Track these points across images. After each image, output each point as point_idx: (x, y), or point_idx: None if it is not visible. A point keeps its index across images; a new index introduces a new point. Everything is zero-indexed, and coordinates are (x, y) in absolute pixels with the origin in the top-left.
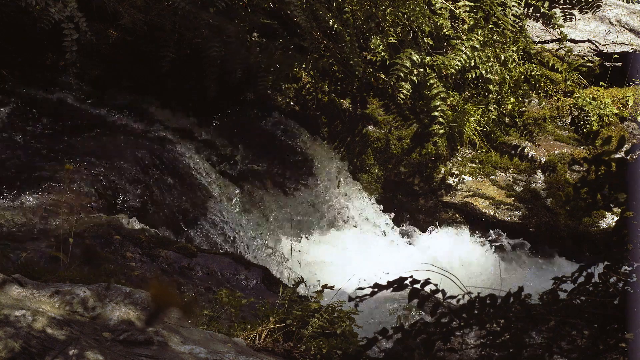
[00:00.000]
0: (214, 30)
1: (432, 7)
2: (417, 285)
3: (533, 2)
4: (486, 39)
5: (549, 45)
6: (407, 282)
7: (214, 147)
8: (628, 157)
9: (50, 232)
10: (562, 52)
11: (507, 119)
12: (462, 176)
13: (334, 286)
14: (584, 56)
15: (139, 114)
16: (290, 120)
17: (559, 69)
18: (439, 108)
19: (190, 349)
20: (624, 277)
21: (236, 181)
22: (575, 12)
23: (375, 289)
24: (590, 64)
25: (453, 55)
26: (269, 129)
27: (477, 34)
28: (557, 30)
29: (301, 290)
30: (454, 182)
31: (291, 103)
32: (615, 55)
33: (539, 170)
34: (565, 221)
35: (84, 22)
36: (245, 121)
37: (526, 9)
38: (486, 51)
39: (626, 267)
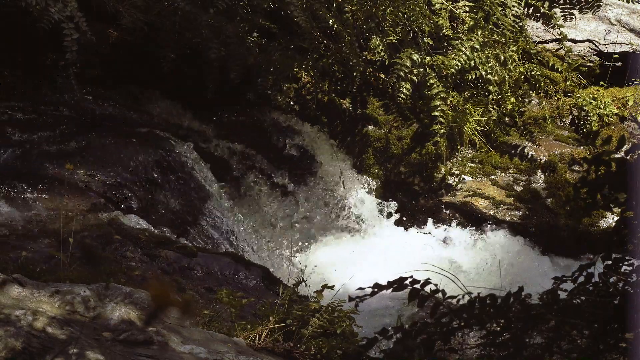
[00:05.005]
0: (213, 30)
1: (432, 7)
2: (417, 286)
3: (533, 2)
4: (486, 39)
5: (549, 45)
6: (407, 282)
7: (214, 146)
8: (628, 157)
9: (50, 232)
10: (562, 52)
11: (507, 119)
12: (462, 176)
13: (334, 286)
14: (584, 56)
15: (138, 114)
16: (291, 120)
17: (559, 69)
18: (439, 108)
19: (191, 348)
20: (624, 277)
21: (237, 181)
22: (575, 12)
23: (375, 289)
24: (590, 64)
25: (453, 55)
26: (269, 129)
27: (477, 34)
28: (557, 30)
29: (301, 290)
30: (454, 182)
31: (291, 103)
32: (615, 55)
33: (539, 170)
34: (565, 221)
35: (84, 22)
36: (245, 121)
37: (526, 9)
38: (486, 51)
39: (626, 267)
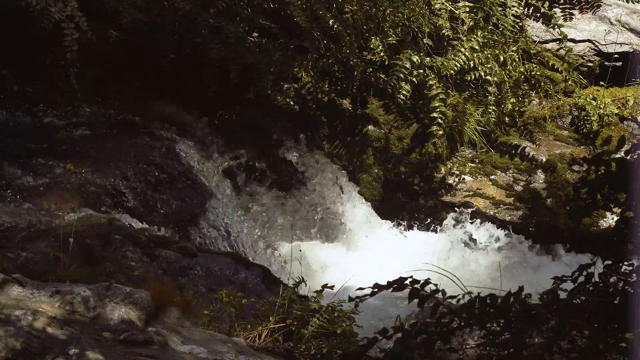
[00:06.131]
0: (214, 30)
1: (432, 8)
2: (417, 285)
3: (533, 2)
4: (486, 40)
5: (549, 45)
6: (407, 282)
7: (214, 146)
8: (628, 157)
9: (50, 232)
10: (562, 51)
11: (507, 119)
12: (462, 176)
13: (334, 286)
14: (584, 56)
15: (139, 113)
16: (291, 120)
17: (559, 69)
18: (438, 109)
19: (191, 348)
20: (624, 277)
21: (236, 181)
22: (575, 12)
23: (375, 289)
24: (590, 64)
25: (452, 55)
26: (269, 129)
27: (477, 35)
28: (557, 30)
29: (301, 290)
30: (454, 181)
31: (291, 103)
32: (615, 55)
33: (539, 170)
34: (566, 221)
35: (85, 22)
36: (245, 121)
37: (526, 9)
38: (485, 52)
39: (626, 267)
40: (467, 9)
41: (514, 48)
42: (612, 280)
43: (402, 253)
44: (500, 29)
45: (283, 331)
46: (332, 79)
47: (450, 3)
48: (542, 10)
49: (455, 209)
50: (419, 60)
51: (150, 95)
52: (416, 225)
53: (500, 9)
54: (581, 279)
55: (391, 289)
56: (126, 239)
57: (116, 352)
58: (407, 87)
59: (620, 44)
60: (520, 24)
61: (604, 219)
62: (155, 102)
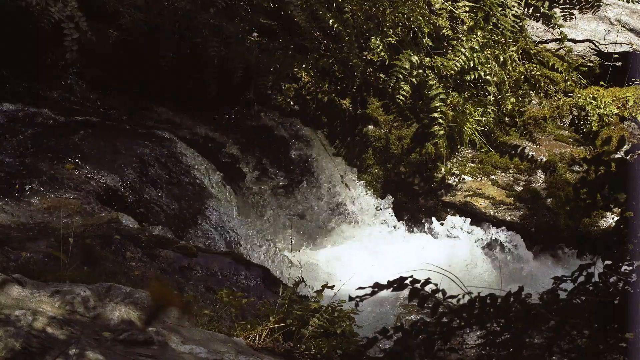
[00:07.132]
0: (214, 30)
1: (432, 8)
2: (417, 285)
3: (533, 2)
4: (486, 40)
5: (549, 45)
6: (407, 282)
7: (214, 146)
8: (628, 157)
9: (50, 232)
10: (562, 51)
11: (507, 119)
12: (462, 176)
13: (334, 286)
14: (584, 56)
15: (139, 113)
16: (291, 120)
17: (559, 69)
18: (439, 109)
19: (191, 348)
20: (624, 277)
21: (236, 180)
22: (575, 12)
23: (376, 289)
24: (590, 64)
25: (452, 55)
26: (269, 129)
27: (477, 35)
28: (557, 30)
29: (301, 290)
30: (454, 181)
31: (291, 103)
32: (615, 55)
33: (539, 170)
34: (566, 221)
35: (84, 22)
36: (245, 121)
37: (526, 9)
38: (485, 52)
39: (626, 267)
40: (467, 9)
41: (514, 48)
42: (612, 280)
43: (402, 253)
44: (500, 29)
45: (283, 331)
46: (332, 79)
47: (450, 3)
48: (542, 10)
49: (455, 209)
50: (419, 61)
51: (150, 95)
52: (416, 225)
53: (500, 9)
54: (581, 279)
55: (391, 288)
56: (126, 239)
57: (116, 352)
58: (407, 87)
59: (620, 44)
60: (520, 24)
61: (604, 219)
62: (155, 102)
